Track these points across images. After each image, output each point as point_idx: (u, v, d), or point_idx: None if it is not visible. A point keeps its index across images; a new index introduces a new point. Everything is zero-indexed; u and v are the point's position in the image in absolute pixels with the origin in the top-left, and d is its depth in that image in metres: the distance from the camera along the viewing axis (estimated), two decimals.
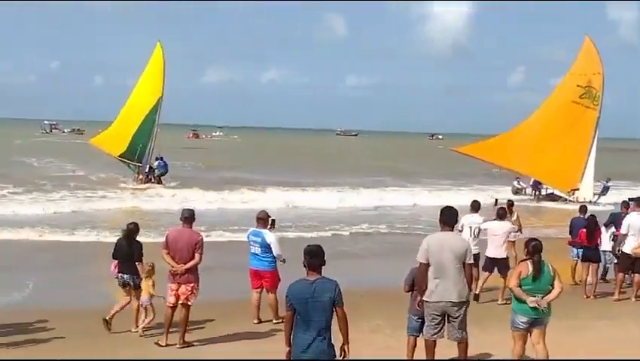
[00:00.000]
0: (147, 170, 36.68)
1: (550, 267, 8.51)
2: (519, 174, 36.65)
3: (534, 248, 8.48)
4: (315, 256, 6.71)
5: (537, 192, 36.50)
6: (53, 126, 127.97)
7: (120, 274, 10.99)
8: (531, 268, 8.40)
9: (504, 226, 13.67)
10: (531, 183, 36.76)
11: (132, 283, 10.90)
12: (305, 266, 6.72)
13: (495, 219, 13.91)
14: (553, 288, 8.40)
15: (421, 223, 25.10)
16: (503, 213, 13.97)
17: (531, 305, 8.28)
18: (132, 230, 11.09)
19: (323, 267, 6.71)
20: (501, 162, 36.00)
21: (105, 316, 10.89)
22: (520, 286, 8.39)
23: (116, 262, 11.05)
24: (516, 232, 14.35)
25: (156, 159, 37.16)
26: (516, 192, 36.46)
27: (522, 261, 8.71)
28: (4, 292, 13.52)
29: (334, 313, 6.60)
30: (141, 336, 10.60)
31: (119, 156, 37.33)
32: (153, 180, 36.51)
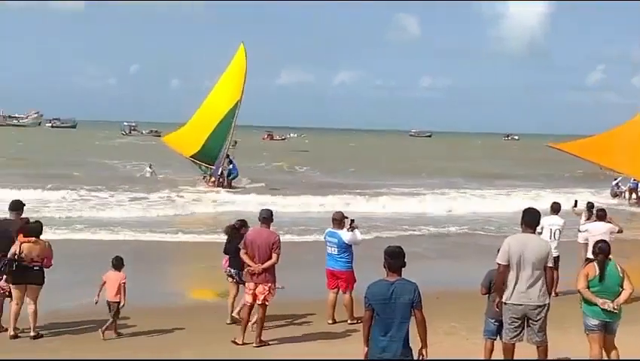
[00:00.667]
0: (219, 173, 35.69)
1: (619, 268, 8.37)
2: (620, 174, 34.55)
3: (600, 249, 8.39)
4: (395, 258, 6.70)
5: (635, 196, 34.13)
6: (132, 128, 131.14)
7: (229, 268, 11.48)
8: (597, 270, 8.29)
9: (605, 226, 13.33)
10: (629, 186, 34.51)
11: (237, 278, 11.28)
12: (385, 267, 6.72)
13: (595, 221, 13.67)
14: (622, 289, 8.24)
15: (495, 225, 24.77)
16: (603, 214, 13.63)
17: (603, 307, 8.14)
18: (238, 227, 11.46)
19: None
20: (602, 160, 33.23)
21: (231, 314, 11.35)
22: (588, 288, 8.28)
23: (227, 257, 11.56)
24: (618, 232, 13.88)
25: (229, 162, 36.28)
26: (615, 195, 34.86)
27: (588, 262, 8.58)
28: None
29: (413, 315, 6.57)
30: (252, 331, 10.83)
31: (190, 157, 36.48)
32: (225, 184, 35.46)
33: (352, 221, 11.78)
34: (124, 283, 10.66)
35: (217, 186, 34.93)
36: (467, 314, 11.20)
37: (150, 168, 42.16)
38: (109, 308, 10.63)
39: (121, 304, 10.62)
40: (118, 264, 10.84)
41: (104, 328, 10.59)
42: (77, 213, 24.95)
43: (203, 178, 36.50)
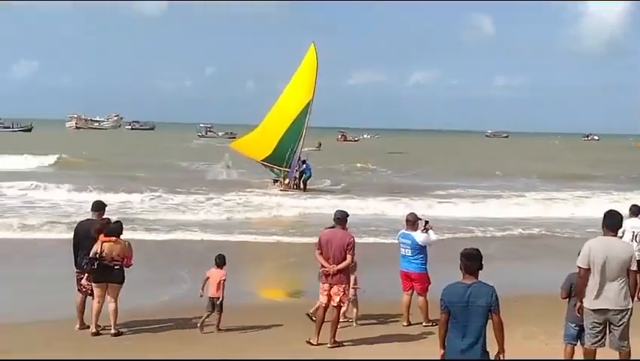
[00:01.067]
0: (294, 174, 34.97)
1: None
2: None
3: None
4: (472, 260, 6.61)
5: None
6: (208, 129, 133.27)
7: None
8: None
9: None
10: None
11: None
12: (461, 269, 6.64)
13: None
14: None
15: (573, 227, 24.13)
16: None
17: None
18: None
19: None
20: None
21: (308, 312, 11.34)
22: None
23: None
24: None
25: (303, 162, 35.54)
26: None
27: None
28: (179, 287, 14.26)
29: (489, 318, 6.47)
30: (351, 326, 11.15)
31: (262, 160, 35.54)
32: (301, 186, 34.95)
33: (427, 222, 11.68)
34: (224, 280, 11.07)
35: (292, 188, 34.37)
36: (546, 318, 10.95)
37: (228, 165, 41.13)
38: (210, 303, 11.03)
39: (219, 300, 11.02)
40: (221, 262, 11.25)
41: (200, 323, 11.01)
42: (157, 214, 25.34)
43: (275, 182, 35.65)
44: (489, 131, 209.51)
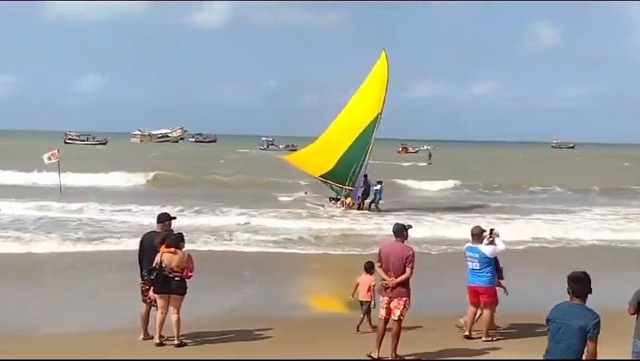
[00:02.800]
0: (359, 194, 31.43)
1: None
2: None
3: None
4: (579, 283, 6.71)
5: None
6: (269, 142, 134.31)
7: None
8: None
9: None
10: None
11: None
12: (568, 293, 6.75)
13: None
14: None
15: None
16: None
17: None
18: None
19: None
20: None
21: None
22: None
23: None
24: None
25: (378, 182, 32.20)
26: None
27: None
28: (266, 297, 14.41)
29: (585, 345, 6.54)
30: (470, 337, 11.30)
31: (321, 176, 32.53)
32: (365, 207, 31.28)
33: (492, 230, 11.60)
34: (374, 285, 11.72)
35: (357, 209, 30.79)
36: (614, 335, 10.64)
37: (305, 192, 37.28)
38: (361, 306, 11.97)
39: (371, 304, 11.85)
40: (369, 267, 11.82)
41: (358, 324, 11.90)
42: (225, 226, 25.12)
43: (333, 200, 32.39)
44: (555, 142, 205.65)
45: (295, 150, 57.73)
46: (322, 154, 32.24)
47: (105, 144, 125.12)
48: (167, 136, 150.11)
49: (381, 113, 31.35)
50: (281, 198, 35.97)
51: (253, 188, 41.75)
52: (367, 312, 11.90)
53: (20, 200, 30.29)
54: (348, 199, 31.40)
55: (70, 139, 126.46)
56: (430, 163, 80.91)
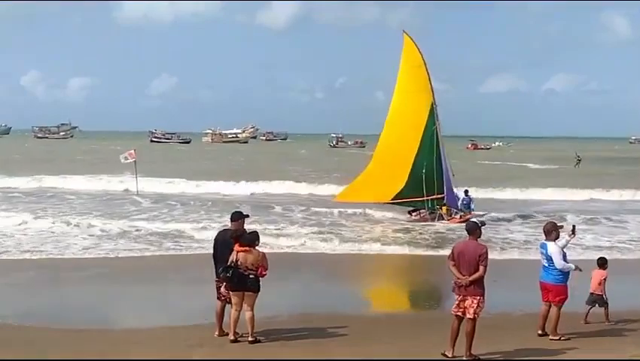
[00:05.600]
0: (459, 201, 27.32)
1: None
2: None
3: None
4: None
5: None
6: (339, 139, 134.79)
7: None
8: None
9: None
10: None
11: None
12: None
13: None
14: None
15: None
16: None
17: None
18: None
19: None
20: None
21: None
22: None
23: None
24: None
25: (465, 192, 27.99)
26: None
27: None
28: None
29: None
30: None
31: (394, 199, 27.50)
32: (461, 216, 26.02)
33: (574, 227, 11.83)
34: (604, 278, 12.38)
35: (458, 221, 25.32)
36: None
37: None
38: (591, 298, 12.43)
39: (604, 297, 12.34)
40: (602, 263, 12.58)
41: (585, 315, 12.35)
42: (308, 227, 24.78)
43: (413, 212, 27.75)
44: (633, 138, 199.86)
45: (364, 147, 56.84)
46: (385, 174, 27.36)
47: (188, 142, 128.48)
48: (237, 136, 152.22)
49: (435, 102, 27.33)
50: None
51: None
52: (603, 306, 12.34)
53: None
54: (444, 208, 26.81)
55: (155, 137, 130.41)
56: (578, 164, 71.19)
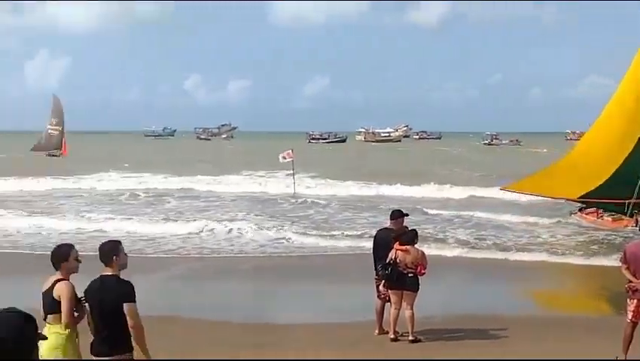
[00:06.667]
0: None
1: None
2: None
3: None
4: None
5: None
6: (493, 137, 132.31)
7: None
8: None
9: None
10: None
11: None
12: None
13: None
14: None
15: None
16: None
17: None
18: None
19: None
20: None
21: None
22: None
23: None
24: None
25: None
26: None
27: None
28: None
29: None
30: None
31: (583, 197, 24.98)
32: None
33: None
34: None
35: None
36: None
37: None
38: None
39: None
40: None
41: None
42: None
43: (585, 211, 25.89)
44: None
45: (520, 145, 54.21)
46: (577, 170, 24.75)
47: (344, 141, 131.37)
48: (390, 135, 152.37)
49: None
50: None
51: None
52: None
53: None
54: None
55: (313, 138, 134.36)
56: None
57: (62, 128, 69.64)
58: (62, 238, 18.82)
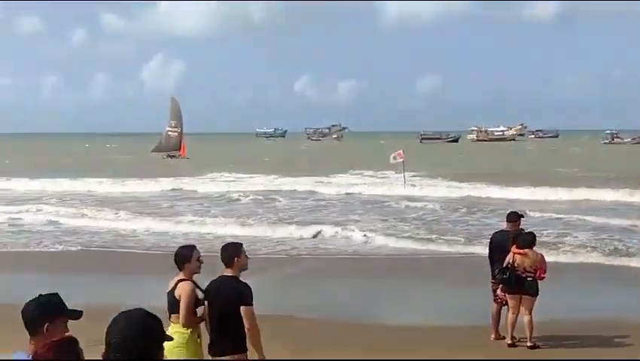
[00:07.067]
0: None
1: None
2: None
3: None
4: None
5: None
6: (614, 135, 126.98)
7: None
8: None
9: None
10: None
11: None
12: None
13: None
14: None
15: None
16: None
17: None
18: None
19: None
20: None
21: None
22: None
23: None
24: None
25: None
26: None
27: None
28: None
29: None
30: None
31: None
32: None
33: None
34: None
35: None
36: None
37: None
38: None
39: None
40: None
41: None
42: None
43: None
44: None
45: None
46: None
47: (456, 141, 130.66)
48: (503, 133, 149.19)
49: None
50: None
51: None
52: None
53: None
54: None
55: (425, 138, 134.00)
56: None
57: (181, 130, 71.75)
58: (185, 240, 19.33)
